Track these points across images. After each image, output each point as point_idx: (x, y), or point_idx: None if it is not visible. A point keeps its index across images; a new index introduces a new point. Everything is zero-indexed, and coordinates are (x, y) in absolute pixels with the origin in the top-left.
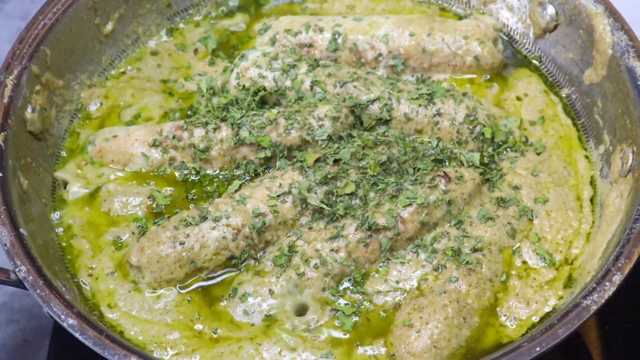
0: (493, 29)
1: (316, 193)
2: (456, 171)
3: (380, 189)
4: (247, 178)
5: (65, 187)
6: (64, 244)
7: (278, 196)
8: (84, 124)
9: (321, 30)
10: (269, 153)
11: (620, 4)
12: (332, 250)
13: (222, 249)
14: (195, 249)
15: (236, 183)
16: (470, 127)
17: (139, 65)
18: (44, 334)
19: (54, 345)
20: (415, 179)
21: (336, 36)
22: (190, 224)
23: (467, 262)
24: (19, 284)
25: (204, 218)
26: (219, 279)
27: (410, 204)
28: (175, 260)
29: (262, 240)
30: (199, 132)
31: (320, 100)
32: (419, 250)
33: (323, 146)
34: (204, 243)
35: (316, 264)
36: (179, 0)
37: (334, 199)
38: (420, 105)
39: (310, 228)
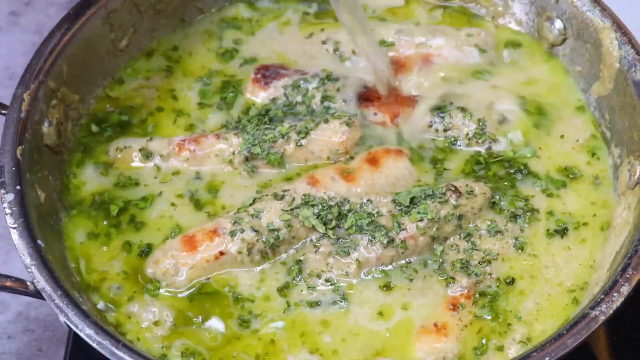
0: (494, 36)
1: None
2: (467, 185)
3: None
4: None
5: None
6: (78, 254)
7: (292, 209)
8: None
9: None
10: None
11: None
12: (344, 264)
13: (238, 264)
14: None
15: (249, 197)
16: (480, 142)
17: (147, 75)
18: (59, 343)
19: (68, 354)
20: (427, 195)
21: None
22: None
23: (476, 274)
24: (37, 294)
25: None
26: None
27: (421, 219)
28: (190, 273)
29: (275, 254)
30: (209, 144)
31: (332, 115)
32: (428, 262)
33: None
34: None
35: (328, 278)
36: (193, 15)
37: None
38: None
39: (317, 246)
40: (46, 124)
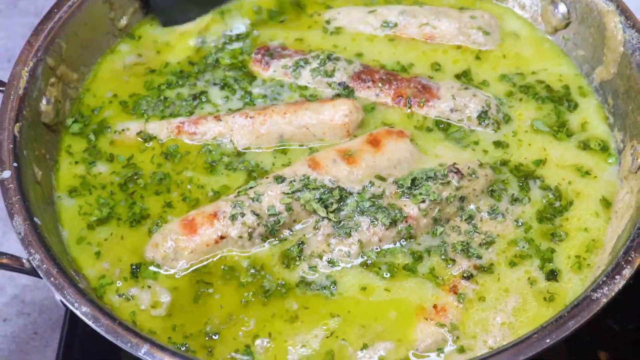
0: (497, 19)
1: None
2: (468, 167)
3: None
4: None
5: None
6: (73, 233)
7: (293, 192)
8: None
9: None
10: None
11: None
12: (346, 244)
13: (238, 247)
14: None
15: (252, 182)
16: (484, 124)
17: (140, 52)
18: (54, 326)
19: (64, 338)
20: (429, 177)
21: None
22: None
23: (477, 256)
24: (33, 272)
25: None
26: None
27: (423, 201)
28: (190, 257)
29: (276, 237)
30: (209, 126)
31: (333, 97)
32: (429, 243)
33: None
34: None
35: (330, 259)
36: None
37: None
38: None
39: (318, 228)
40: (44, 102)
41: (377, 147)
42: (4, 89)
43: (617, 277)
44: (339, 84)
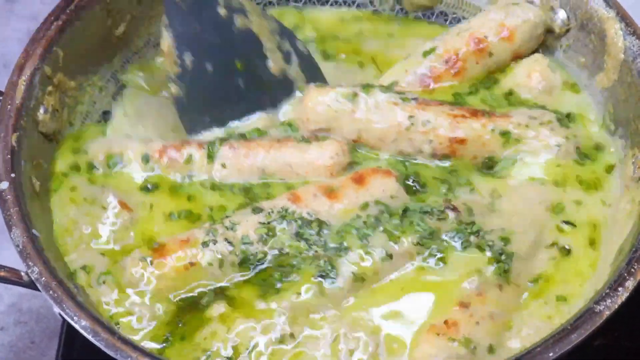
0: None
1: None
2: (463, 204)
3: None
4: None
5: None
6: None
7: (269, 222)
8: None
9: None
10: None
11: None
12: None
13: (211, 277)
14: None
15: (230, 212)
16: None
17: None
18: (52, 335)
19: (61, 347)
20: (425, 211)
21: None
22: None
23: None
24: (31, 285)
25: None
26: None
27: (419, 232)
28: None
29: (248, 265)
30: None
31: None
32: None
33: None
34: None
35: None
36: None
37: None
38: None
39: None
40: (41, 111)
41: (361, 183)
42: (0, 98)
43: (619, 289)
44: None
